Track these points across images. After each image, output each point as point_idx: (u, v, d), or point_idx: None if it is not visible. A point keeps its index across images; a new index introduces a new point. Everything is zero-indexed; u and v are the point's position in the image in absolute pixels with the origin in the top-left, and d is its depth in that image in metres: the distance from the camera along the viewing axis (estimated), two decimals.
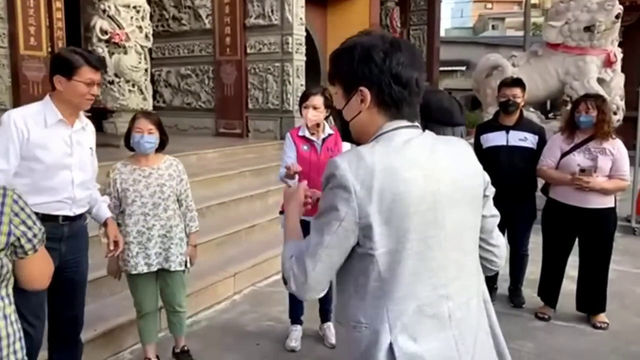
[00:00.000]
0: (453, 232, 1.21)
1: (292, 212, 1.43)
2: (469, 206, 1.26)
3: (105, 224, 2.56)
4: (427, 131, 1.26)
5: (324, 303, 3.47)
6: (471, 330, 1.24)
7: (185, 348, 3.11)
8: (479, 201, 1.30)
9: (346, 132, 1.33)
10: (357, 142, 1.31)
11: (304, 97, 3.22)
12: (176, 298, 2.96)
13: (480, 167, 1.32)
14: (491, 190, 1.36)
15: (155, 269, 2.83)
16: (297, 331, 3.41)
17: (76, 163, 2.32)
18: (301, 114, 3.25)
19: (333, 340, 3.37)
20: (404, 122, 1.23)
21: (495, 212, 1.41)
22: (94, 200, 2.53)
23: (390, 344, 1.14)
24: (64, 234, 2.32)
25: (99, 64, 2.33)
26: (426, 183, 1.16)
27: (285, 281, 1.25)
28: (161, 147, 2.84)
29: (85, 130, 2.41)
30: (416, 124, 1.26)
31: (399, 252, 1.14)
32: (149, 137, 2.72)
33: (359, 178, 1.12)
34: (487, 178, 1.35)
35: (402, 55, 1.21)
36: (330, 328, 3.44)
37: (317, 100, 3.17)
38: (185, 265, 2.92)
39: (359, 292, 1.18)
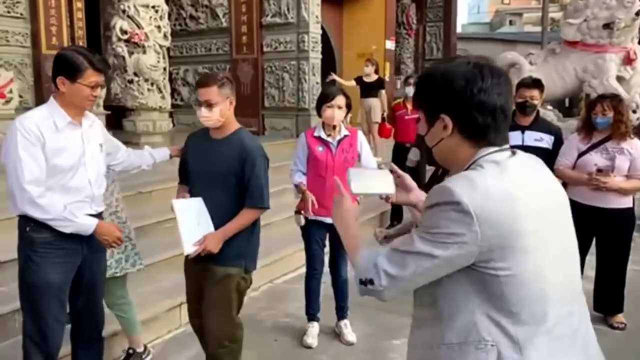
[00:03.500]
0: (565, 247, 1.23)
1: (351, 221, 1.39)
2: (569, 220, 1.27)
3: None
4: (518, 152, 1.25)
5: (340, 300, 3.53)
6: (591, 341, 1.24)
7: (130, 352, 3.05)
8: (568, 207, 1.31)
9: (430, 156, 1.33)
10: (441, 166, 1.32)
11: (328, 97, 3.23)
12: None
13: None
14: None
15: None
16: (313, 328, 3.47)
17: (89, 161, 2.33)
18: (320, 114, 3.28)
19: (349, 338, 3.43)
20: (494, 148, 1.21)
21: None
22: (137, 156, 2.79)
23: None
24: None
25: (103, 67, 2.29)
26: (536, 202, 1.16)
27: (364, 283, 1.23)
28: None
29: (93, 127, 2.40)
30: (506, 147, 1.23)
31: (522, 272, 1.13)
32: None
33: (476, 202, 1.10)
34: None
35: (484, 82, 1.17)
36: (347, 325, 3.49)
37: (341, 99, 3.22)
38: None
39: (482, 308, 1.15)
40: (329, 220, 3.30)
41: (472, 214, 1.10)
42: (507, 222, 1.11)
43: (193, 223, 2.38)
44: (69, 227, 2.24)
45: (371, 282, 1.21)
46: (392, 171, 1.50)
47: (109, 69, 2.37)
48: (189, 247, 2.38)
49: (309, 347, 3.37)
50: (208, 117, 2.42)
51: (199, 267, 2.50)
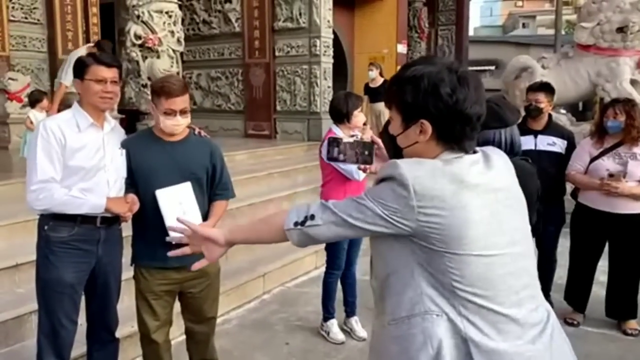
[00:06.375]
0: (515, 239, 1.25)
1: (239, 235, 1.55)
2: (523, 213, 1.30)
3: None
4: (480, 149, 1.28)
5: (350, 295, 3.62)
6: (562, 344, 1.27)
7: None
8: (526, 209, 1.33)
9: (397, 156, 1.33)
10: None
11: (359, 104, 3.42)
12: None
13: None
14: None
15: None
16: (334, 325, 3.56)
17: (109, 164, 2.37)
18: (347, 120, 3.38)
19: (362, 334, 3.52)
20: (461, 154, 1.24)
21: None
22: None
23: (466, 335, 1.16)
24: (101, 237, 2.38)
25: (110, 60, 2.31)
26: (487, 191, 1.20)
27: (302, 223, 1.28)
28: None
29: (114, 131, 2.45)
30: (471, 152, 1.26)
31: (464, 254, 1.16)
32: None
33: (418, 179, 1.15)
34: None
35: (468, 92, 1.19)
36: (357, 322, 3.58)
37: None
38: None
39: (428, 280, 1.19)
40: None
41: (411, 189, 1.14)
42: (451, 204, 1.14)
43: (179, 211, 2.34)
44: (82, 205, 2.27)
45: (312, 217, 1.26)
46: (373, 142, 1.52)
47: (116, 63, 2.36)
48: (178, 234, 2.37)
49: (342, 343, 3.47)
50: (184, 124, 2.42)
51: (182, 274, 2.46)
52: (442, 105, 1.18)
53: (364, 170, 1.59)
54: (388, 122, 1.37)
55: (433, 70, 1.20)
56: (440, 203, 1.14)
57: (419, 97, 1.20)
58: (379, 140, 1.56)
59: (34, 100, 5.70)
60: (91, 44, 6.57)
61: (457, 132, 1.21)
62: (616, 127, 3.45)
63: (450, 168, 1.18)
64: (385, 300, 1.28)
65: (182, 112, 2.37)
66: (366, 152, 1.50)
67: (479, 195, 1.18)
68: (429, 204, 1.14)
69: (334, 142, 1.49)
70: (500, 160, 1.29)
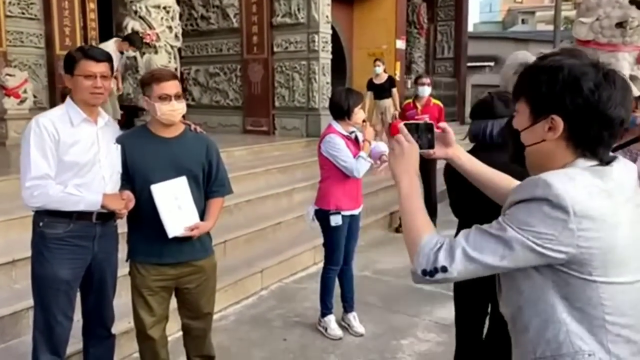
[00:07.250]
0: None
1: (415, 183, 1.24)
2: None
3: None
4: (618, 157, 1.16)
5: (348, 292, 3.60)
6: None
7: None
8: None
9: (518, 155, 1.21)
10: (526, 171, 1.20)
11: (360, 101, 3.41)
12: None
13: None
14: None
15: None
16: (332, 321, 3.55)
17: (104, 159, 2.35)
18: (348, 117, 3.34)
19: (360, 330, 3.52)
20: (595, 162, 1.10)
21: None
22: None
23: None
24: (97, 234, 2.37)
25: (99, 55, 2.28)
26: (635, 206, 1.10)
27: (430, 273, 1.11)
28: None
29: (108, 126, 2.44)
30: (606, 162, 1.13)
31: (620, 280, 1.06)
32: None
33: (576, 198, 1.02)
34: None
35: (614, 91, 1.06)
36: (355, 318, 3.57)
37: None
38: None
39: (574, 315, 1.08)
40: (354, 212, 3.46)
41: (570, 210, 1.01)
42: (611, 223, 1.04)
43: (174, 206, 2.36)
44: (79, 202, 2.26)
45: (443, 269, 1.09)
46: (437, 126, 1.39)
47: (105, 58, 2.32)
48: (175, 229, 2.36)
49: (340, 339, 3.45)
50: (181, 109, 2.40)
51: (178, 270, 2.49)
52: (582, 100, 1.05)
53: (427, 156, 1.40)
54: (512, 117, 1.22)
55: (576, 63, 1.08)
56: (600, 224, 1.03)
57: (556, 88, 1.07)
58: (446, 125, 1.42)
59: (63, 95, 5.69)
60: (119, 38, 6.57)
61: (594, 134, 1.08)
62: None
63: (603, 182, 1.06)
64: (521, 334, 1.16)
65: (177, 97, 2.37)
66: (429, 135, 1.37)
67: (630, 211, 1.08)
68: (590, 226, 1.02)
69: (414, 126, 1.32)
70: (631, 168, 1.17)
